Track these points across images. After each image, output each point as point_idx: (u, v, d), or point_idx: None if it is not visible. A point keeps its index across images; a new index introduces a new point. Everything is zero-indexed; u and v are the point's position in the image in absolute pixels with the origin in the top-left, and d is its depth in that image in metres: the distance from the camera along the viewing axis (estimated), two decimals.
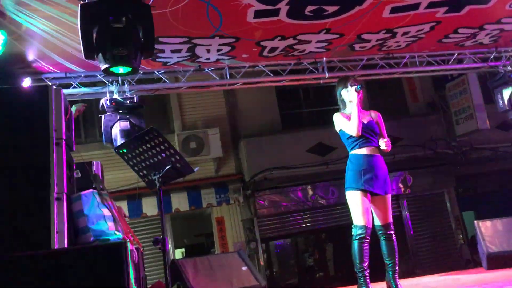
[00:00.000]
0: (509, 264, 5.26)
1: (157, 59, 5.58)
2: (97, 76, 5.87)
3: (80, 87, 5.80)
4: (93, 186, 3.38)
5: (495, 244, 5.73)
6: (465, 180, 10.08)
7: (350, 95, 3.76)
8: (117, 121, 5.63)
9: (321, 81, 6.63)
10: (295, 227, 9.35)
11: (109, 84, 5.88)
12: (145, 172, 3.68)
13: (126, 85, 5.87)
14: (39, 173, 2.99)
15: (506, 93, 6.63)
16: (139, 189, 5.41)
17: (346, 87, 3.80)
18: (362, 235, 3.61)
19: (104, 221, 3.05)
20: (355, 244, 3.62)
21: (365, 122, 3.76)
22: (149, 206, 8.41)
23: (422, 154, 9.59)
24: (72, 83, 5.81)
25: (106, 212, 3.13)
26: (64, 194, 3.04)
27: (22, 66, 5.31)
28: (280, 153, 9.07)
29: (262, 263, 9.07)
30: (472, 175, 10.00)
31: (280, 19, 4.87)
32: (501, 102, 6.74)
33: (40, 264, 2.45)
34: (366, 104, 9.41)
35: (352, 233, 3.68)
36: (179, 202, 8.73)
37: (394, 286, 3.64)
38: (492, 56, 6.88)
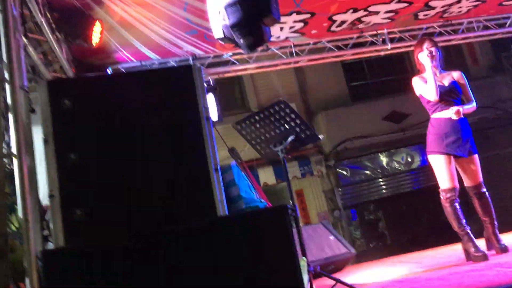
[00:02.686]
0: None
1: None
2: (170, 62, 6.01)
3: None
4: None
5: None
6: None
7: (424, 59, 3.75)
8: None
9: (382, 53, 6.74)
10: (375, 193, 9.64)
11: None
12: (263, 145, 3.83)
13: None
14: (196, 147, 3.12)
15: None
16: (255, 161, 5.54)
17: (423, 50, 3.78)
18: (452, 197, 3.65)
19: (250, 189, 3.21)
20: (448, 207, 3.67)
21: (446, 84, 3.75)
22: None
23: (493, 115, 9.77)
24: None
25: (248, 182, 3.28)
26: (218, 165, 3.19)
27: (102, 56, 5.44)
28: (357, 123, 9.36)
29: (348, 230, 9.46)
30: None
31: None
32: None
33: (220, 230, 2.61)
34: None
35: (441, 197, 3.71)
36: (266, 176, 9.07)
37: (496, 240, 3.68)
38: None
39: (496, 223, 3.75)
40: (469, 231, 3.67)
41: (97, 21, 4.31)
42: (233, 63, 6.23)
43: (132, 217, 2.90)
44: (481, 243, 3.68)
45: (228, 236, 2.65)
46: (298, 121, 3.55)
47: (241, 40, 3.30)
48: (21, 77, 2.84)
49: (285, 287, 2.53)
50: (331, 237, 5.53)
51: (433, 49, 3.77)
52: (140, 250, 2.55)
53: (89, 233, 2.77)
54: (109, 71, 5.52)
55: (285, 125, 3.58)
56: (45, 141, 2.83)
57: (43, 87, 2.82)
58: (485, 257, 3.47)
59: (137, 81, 3.16)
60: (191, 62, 6.01)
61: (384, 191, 9.65)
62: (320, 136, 3.67)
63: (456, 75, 3.82)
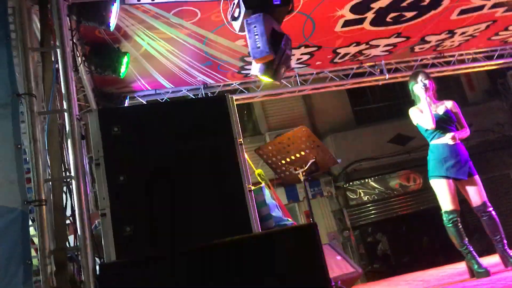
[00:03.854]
0: None
1: (241, 71, 6.07)
2: (182, 91, 6.34)
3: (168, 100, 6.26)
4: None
5: None
6: None
7: (419, 90, 4.03)
8: None
9: (380, 83, 7.18)
10: (382, 213, 10.04)
11: (193, 96, 6.34)
12: (283, 168, 4.15)
13: None
14: (232, 169, 3.43)
15: None
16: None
17: (417, 82, 4.04)
18: (454, 218, 3.90)
19: (278, 209, 3.50)
20: (451, 227, 3.91)
21: (441, 113, 4.01)
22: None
23: (491, 138, 10.38)
24: (160, 99, 6.26)
25: (275, 201, 3.58)
26: (251, 186, 3.50)
27: (121, 86, 5.75)
28: (364, 145, 9.76)
29: (357, 250, 9.82)
30: None
31: (363, 27, 5.40)
32: None
33: (259, 244, 2.90)
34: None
35: (444, 219, 3.95)
36: (279, 195, 9.31)
37: (508, 257, 3.83)
38: None
39: (505, 240, 3.89)
40: (471, 249, 3.89)
41: (127, 54, 4.63)
42: (241, 91, 6.58)
43: (175, 233, 3.17)
44: (486, 261, 3.97)
45: (265, 249, 2.94)
46: (318, 146, 3.89)
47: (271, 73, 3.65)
48: (76, 107, 3.12)
49: None
50: (338, 257, 5.79)
51: (427, 81, 4.03)
52: (186, 261, 2.82)
53: (137, 248, 3.04)
54: (126, 101, 5.81)
55: (306, 149, 3.91)
56: (97, 165, 3.11)
57: (95, 115, 3.12)
58: (487, 273, 3.72)
59: (179, 109, 3.48)
60: (202, 90, 6.35)
61: (391, 211, 10.04)
62: (338, 160, 4.00)
63: (449, 104, 4.11)
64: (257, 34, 3.64)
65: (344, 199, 10.02)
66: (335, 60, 6.39)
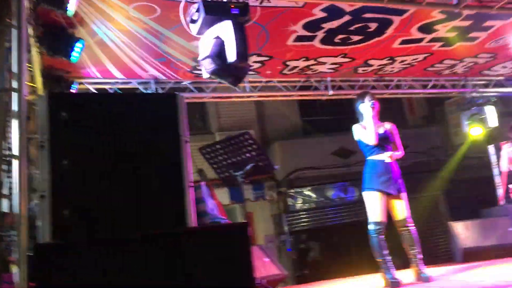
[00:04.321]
0: (479, 257, 6.28)
1: (193, 71, 6.21)
2: (132, 82, 6.39)
3: (117, 91, 6.28)
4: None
5: (468, 241, 6.86)
6: (456, 184, 11.45)
7: (366, 109, 4.33)
8: None
9: (324, 98, 7.56)
10: (318, 222, 10.40)
11: (143, 90, 6.41)
12: (224, 169, 4.35)
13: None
14: (176, 165, 3.57)
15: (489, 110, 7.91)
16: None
17: (364, 101, 4.34)
18: (380, 230, 4.17)
19: (215, 207, 3.70)
20: (374, 238, 4.18)
21: (381, 132, 4.32)
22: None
23: (425, 160, 11.11)
24: (108, 88, 6.27)
25: (214, 200, 3.77)
26: (192, 183, 3.68)
27: (70, 70, 5.72)
28: (309, 155, 10.09)
29: (290, 255, 10.18)
30: (462, 181, 11.42)
31: (313, 44, 5.72)
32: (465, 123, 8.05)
33: (192, 238, 3.08)
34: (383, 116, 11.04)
35: (370, 229, 4.22)
36: (221, 196, 9.40)
37: (420, 271, 4.17)
38: (460, 84, 8.16)
39: (420, 255, 4.22)
40: (388, 260, 4.22)
41: (81, 40, 4.66)
42: (191, 91, 6.72)
43: (111, 221, 3.27)
44: (403, 273, 4.33)
45: (198, 243, 3.11)
46: (259, 151, 4.12)
47: (224, 81, 3.84)
48: (25, 88, 3.17)
49: None
50: (266, 259, 6.07)
51: (373, 101, 4.37)
52: (117, 248, 2.92)
53: (72, 232, 3.12)
54: (75, 86, 5.79)
55: (247, 153, 4.13)
56: (41, 146, 3.17)
57: (44, 99, 3.18)
58: (398, 284, 4.08)
59: (129, 101, 3.59)
60: (152, 84, 6.43)
61: (326, 220, 10.45)
62: (276, 166, 4.25)
63: (388, 126, 4.45)
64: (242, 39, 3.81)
65: (284, 204, 10.37)
66: (284, 72, 6.69)
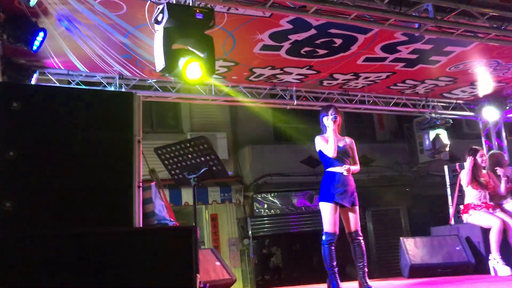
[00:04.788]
0: (426, 274, 6.49)
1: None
2: (96, 77, 6.32)
3: (80, 85, 6.21)
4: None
5: (416, 257, 7.05)
6: (419, 200, 11.77)
7: (328, 122, 4.45)
8: None
9: (288, 107, 7.67)
10: (282, 228, 10.50)
11: (106, 85, 6.35)
12: (177, 171, 4.37)
13: (122, 89, 6.38)
14: (125, 164, 3.57)
15: (431, 134, 8.16)
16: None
17: (327, 115, 4.46)
18: (332, 241, 4.31)
19: (163, 208, 3.70)
20: (326, 248, 4.32)
21: (340, 145, 4.43)
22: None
23: (390, 174, 11.45)
24: (71, 80, 6.19)
25: (162, 202, 3.78)
26: (141, 183, 3.68)
27: (32, 59, 5.63)
28: (278, 161, 10.16)
29: (254, 259, 10.31)
30: (425, 197, 11.71)
31: (279, 54, 5.81)
32: (427, 142, 8.27)
33: (136, 238, 3.08)
34: (344, 130, 11.25)
35: (323, 238, 4.37)
36: (188, 197, 9.53)
37: (365, 284, 4.30)
38: (422, 104, 8.42)
39: (366, 269, 4.33)
40: (336, 271, 4.35)
41: (42, 31, 4.60)
42: (156, 89, 6.70)
43: (55, 216, 3.24)
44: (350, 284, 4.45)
45: (141, 245, 3.11)
46: (213, 156, 4.15)
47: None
48: None
49: None
50: (217, 263, 6.09)
51: (336, 115, 4.48)
52: (51, 245, 2.87)
53: (14, 225, 3.08)
54: (35, 75, 5.70)
55: (202, 157, 4.16)
56: None
57: None
58: None
59: (85, 97, 3.57)
60: (117, 80, 6.38)
61: (290, 227, 10.57)
62: (229, 173, 4.29)
63: (348, 140, 4.57)
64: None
65: (250, 208, 10.47)
66: (250, 78, 6.75)
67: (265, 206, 10.60)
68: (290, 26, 5.11)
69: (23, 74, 5.51)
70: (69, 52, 5.43)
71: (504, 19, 5.22)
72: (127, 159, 3.57)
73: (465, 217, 6.17)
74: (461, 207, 6.28)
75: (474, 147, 6.03)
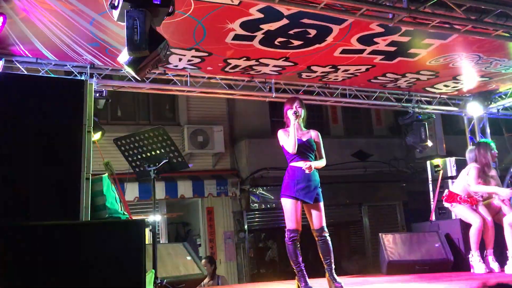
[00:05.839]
0: (404, 270, 6.39)
1: None
2: (66, 66, 6.15)
3: (49, 74, 6.04)
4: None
5: (394, 254, 6.94)
6: (415, 196, 11.62)
7: (290, 116, 4.28)
8: None
9: (267, 100, 7.52)
10: (278, 222, 10.35)
11: (77, 74, 6.19)
12: (138, 163, 4.23)
13: (94, 79, 6.22)
14: (73, 155, 3.44)
15: (414, 129, 8.04)
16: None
17: (291, 108, 4.32)
18: (295, 237, 4.21)
19: (116, 202, 3.56)
20: (290, 245, 4.23)
21: (304, 139, 4.30)
22: (158, 190, 9.09)
23: (386, 170, 11.38)
24: (41, 69, 6.02)
25: (115, 194, 3.63)
26: (90, 175, 3.53)
27: None
28: (275, 155, 10.05)
29: (250, 252, 10.36)
30: (420, 193, 11.62)
31: (253, 44, 5.65)
32: (409, 137, 8.16)
33: (83, 232, 2.94)
34: (341, 125, 11.68)
35: (286, 236, 4.25)
36: (184, 189, 9.61)
37: (333, 281, 4.22)
38: (404, 98, 8.29)
39: (333, 265, 4.25)
40: (303, 268, 4.27)
41: (0, 16, 4.43)
42: (129, 80, 6.54)
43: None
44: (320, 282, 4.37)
45: (88, 239, 2.96)
46: (173, 148, 4.01)
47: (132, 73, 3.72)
48: None
49: None
50: (189, 258, 5.96)
51: (300, 109, 4.33)
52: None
53: None
54: (1, 62, 5.53)
55: (161, 149, 4.02)
56: None
57: None
58: None
59: (32, 85, 3.43)
60: (88, 70, 6.22)
61: (284, 221, 10.59)
62: (190, 165, 4.16)
63: (313, 134, 4.41)
64: (136, 28, 3.69)
65: (246, 202, 10.41)
66: (226, 69, 6.59)
67: (261, 199, 10.55)
68: (261, 15, 4.95)
69: None
70: (34, 39, 5.26)
71: (482, 10, 5.09)
72: (75, 149, 3.43)
73: (447, 205, 6.05)
74: (446, 192, 6.12)
75: (483, 141, 6.01)
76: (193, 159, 10.04)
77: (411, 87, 7.91)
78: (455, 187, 6.02)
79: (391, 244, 7.01)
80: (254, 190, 10.49)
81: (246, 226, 10.45)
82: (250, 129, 10.80)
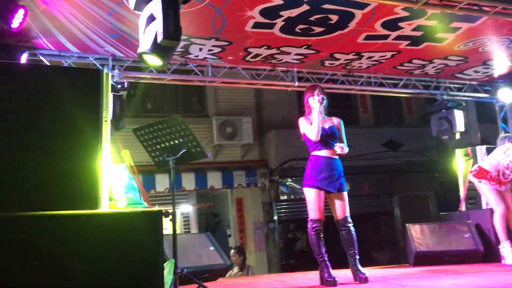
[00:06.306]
0: (432, 261, 6.23)
1: None
2: (89, 58, 6.19)
3: (73, 66, 6.09)
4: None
5: (422, 245, 6.78)
6: (448, 186, 11.56)
7: (314, 103, 4.25)
8: None
9: (289, 89, 7.41)
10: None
11: (100, 66, 6.22)
12: (157, 153, 4.20)
13: (116, 70, 6.24)
14: (91, 145, 3.43)
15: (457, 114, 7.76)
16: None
17: (313, 95, 4.27)
18: (318, 228, 4.13)
19: (135, 191, 3.56)
20: (313, 236, 4.15)
21: (326, 127, 4.22)
22: (187, 182, 9.46)
23: (418, 159, 11.19)
24: (64, 61, 6.07)
25: (135, 184, 3.63)
26: (109, 165, 3.52)
27: (21, 40, 5.52)
28: (304, 145, 10.08)
29: (280, 243, 10.43)
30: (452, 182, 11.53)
31: (273, 32, 5.55)
32: (435, 125, 7.92)
33: (101, 222, 2.93)
34: (370, 114, 11.83)
35: (308, 226, 4.18)
36: (214, 180, 9.68)
37: (358, 272, 4.13)
38: (433, 85, 8.04)
39: (357, 256, 4.16)
40: (326, 259, 4.18)
41: (21, 8, 4.47)
42: (151, 71, 6.53)
43: (16, 197, 3.13)
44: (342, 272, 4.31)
45: (108, 227, 2.96)
46: (191, 137, 3.97)
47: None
48: None
49: (145, 278, 2.89)
50: (211, 248, 5.95)
51: (322, 96, 4.27)
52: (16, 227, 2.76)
53: None
54: (25, 55, 5.60)
55: (180, 139, 3.98)
56: None
57: None
58: (334, 283, 4.05)
59: (49, 75, 3.44)
60: (110, 61, 6.24)
61: None
62: (209, 155, 4.11)
63: (336, 121, 4.35)
64: (171, 18, 3.68)
65: (275, 192, 10.43)
66: (247, 59, 6.51)
67: (290, 190, 10.54)
68: (281, 1, 4.84)
69: (11, 55, 5.41)
70: (55, 31, 5.30)
71: None
72: (93, 139, 3.43)
73: (474, 180, 5.81)
74: (476, 166, 5.90)
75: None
76: (221, 151, 10.08)
77: (439, 73, 7.65)
78: (485, 163, 5.80)
79: (419, 234, 6.84)
80: (283, 180, 10.50)
81: (275, 217, 10.44)
82: (278, 119, 10.74)
